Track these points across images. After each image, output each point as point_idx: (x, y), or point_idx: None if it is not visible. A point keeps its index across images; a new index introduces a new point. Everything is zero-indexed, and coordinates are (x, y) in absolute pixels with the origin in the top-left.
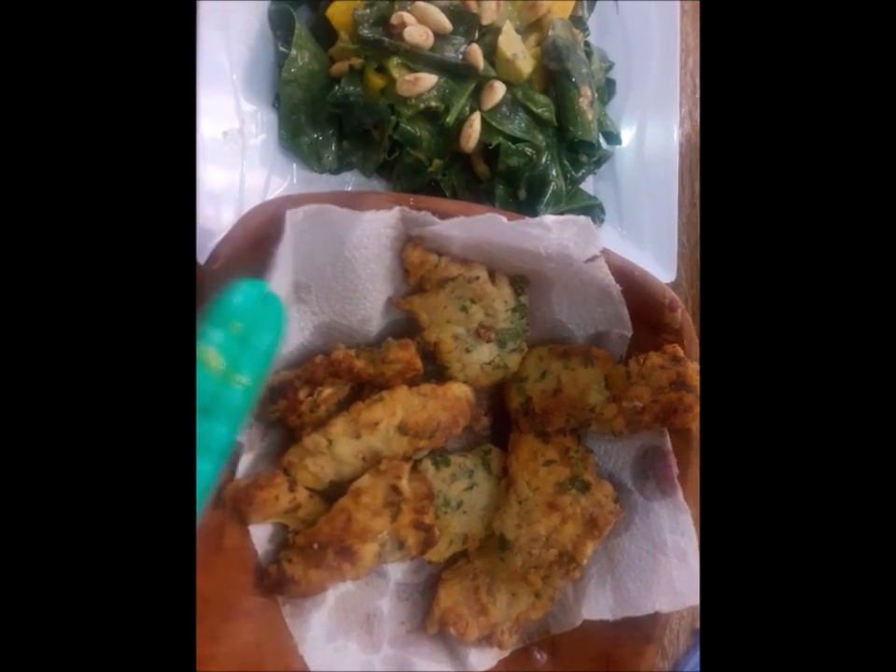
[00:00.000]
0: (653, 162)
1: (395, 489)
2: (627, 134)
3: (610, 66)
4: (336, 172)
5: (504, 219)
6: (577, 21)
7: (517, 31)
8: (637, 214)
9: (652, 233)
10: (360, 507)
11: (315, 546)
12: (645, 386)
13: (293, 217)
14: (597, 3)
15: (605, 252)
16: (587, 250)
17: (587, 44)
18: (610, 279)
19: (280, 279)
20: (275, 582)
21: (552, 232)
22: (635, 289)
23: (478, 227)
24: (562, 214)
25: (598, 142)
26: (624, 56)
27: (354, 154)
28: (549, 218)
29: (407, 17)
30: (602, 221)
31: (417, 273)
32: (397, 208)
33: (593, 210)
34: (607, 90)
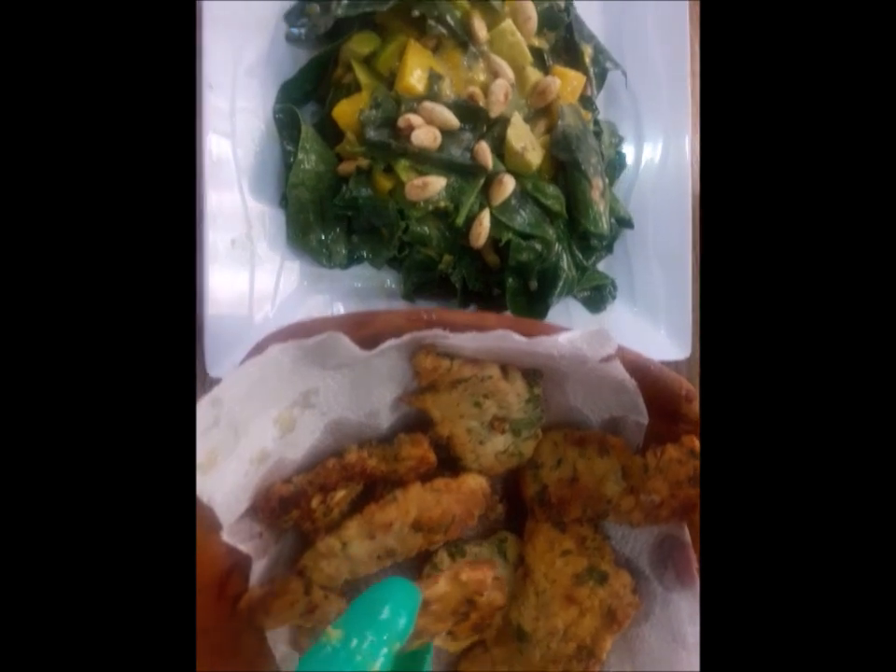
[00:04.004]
0: (666, 239)
1: (471, 603)
2: (638, 208)
3: (621, 140)
4: (346, 267)
5: (516, 336)
6: (585, 102)
7: (526, 118)
8: (650, 288)
9: (666, 308)
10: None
11: None
12: (663, 481)
13: (303, 344)
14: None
15: (619, 350)
16: (601, 352)
17: (596, 122)
18: (625, 375)
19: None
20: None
21: (566, 346)
22: (650, 381)
23: (490, 340)
24: (574, 296)
25: (610, 230)
26: (634, 131)
27: (363, 248)
28: (563, 338)
29: (414, 119)
30: (614, 298)
31: (429, 378)
32: (408, 335)
33: (605, 288)
34: (617, 163)
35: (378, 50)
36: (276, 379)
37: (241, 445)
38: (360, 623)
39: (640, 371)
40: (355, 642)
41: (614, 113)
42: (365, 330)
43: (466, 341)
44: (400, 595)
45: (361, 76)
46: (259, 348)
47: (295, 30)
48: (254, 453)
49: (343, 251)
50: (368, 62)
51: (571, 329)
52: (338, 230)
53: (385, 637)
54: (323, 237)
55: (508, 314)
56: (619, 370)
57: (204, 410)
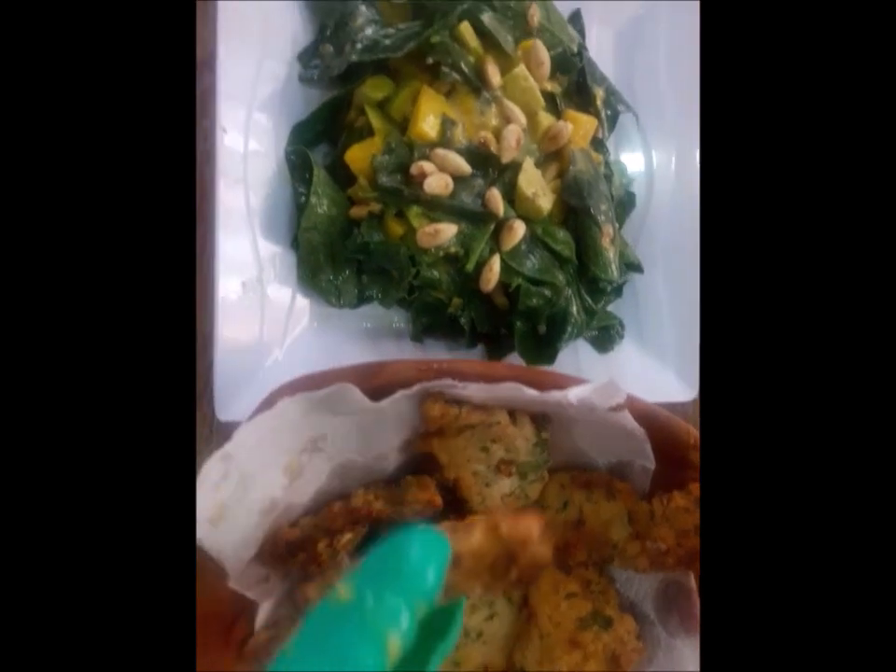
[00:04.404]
0: (675, 280)
1: (511, 558)
2: (647, 248)
3: (631, 181)
4: (355, 306)
5: (526, 389)
6: (597, 144)
7: (537, 163)
8: (659, 329)
9: (674, 349)
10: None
11: None
12: (669, 529)
13: (313, 396)
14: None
15: (629, 399)
16: (610, 402)
17: (607, 164)
18: (634, 424)
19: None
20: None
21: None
22: (658, 429)
23: (500, 391)
24: (582, 336)
25: (619, 276)
26: (645, 169)
27: (373, 288)
28: (573, 394)
29: (427, 166)
30: (622, 338)
31: (437, 424)
32: (418, 386)
33: (612, 328)
34: (627, 202)
35: (392, 95)
36: (285, 430)
37: (250, 497)
38: (377, 579)
39: (649, 419)
40: (370, 601)
41: (625, 149)
42: (374, 381)
43: (475, 391)
44: (427, 547)
45: (374, 120)
46: (268, 402)
47: (308, 71)
48: (263, 503)
49: (354, 290)
50: (381, 106)
51: (580, 380)
52: (348, 271)
53: (407, 598)
54: (332, 277)
55: (517, 361)
56: (627, 419)
57: (215, 465)
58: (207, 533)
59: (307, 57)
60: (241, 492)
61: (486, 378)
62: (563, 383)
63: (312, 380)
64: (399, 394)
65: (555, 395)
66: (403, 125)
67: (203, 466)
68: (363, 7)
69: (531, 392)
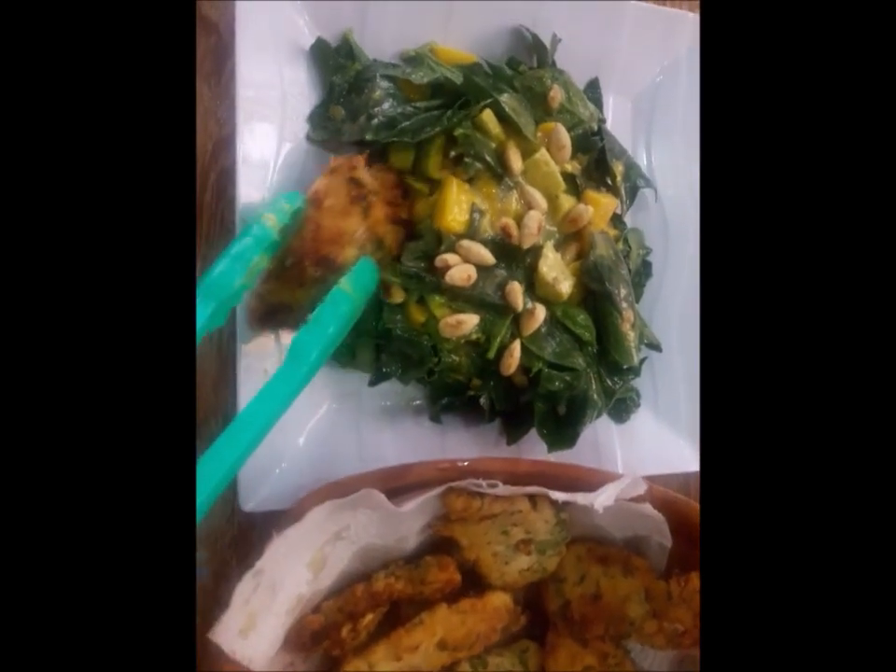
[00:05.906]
0: (690, 352)
1: (355, 182)
2: (663, 323)
3: (648, 251)
4: (374, 383)
5: (553, 493)
6: (615, 220)
7: (557, 244)
8: (673, 399)
9: (688, 420)
10: (324, 211)
11: (289, 262)
12: (686, 610)
13: (339, 503)
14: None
15: (648, 490)
16: (631, 493)
17: (625, 240)
18: (653, 513)
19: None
20: (263, 316)
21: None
22: (675, 512)
23: (523, 492)
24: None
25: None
26: (661, 242)
27: (392, 365)
28: (598, 503)
29: (451, 258)
30: (638, 407)
31: (459, 516)
32: (442, 487)
33: (629, 398)
34: (644, 271)
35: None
36: (311, 531)
37: (278, 601)
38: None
39: (667, 505)
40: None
41: (642, 215)
42: (398, 482)
43: (500, 492)
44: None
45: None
46: (297, 514)
47: (316, 132)
48: (290, 604)
49: (370, 357)
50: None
51: (603, 473)
52: (370, 344)
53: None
54: (352, 343)
55: (536, 438)
56: (647, 509)
57: (247, 583)
58: (239, 645)
59: (316, 118)
60: (269, 599)
61: (510, 475)
62: (585, 477)
63: (338, 487)
64: (422, 498)
65: (580, 500)
66: (432, 189)
67: (237, 586)
68: (380, 79)
69: (558, 495)
